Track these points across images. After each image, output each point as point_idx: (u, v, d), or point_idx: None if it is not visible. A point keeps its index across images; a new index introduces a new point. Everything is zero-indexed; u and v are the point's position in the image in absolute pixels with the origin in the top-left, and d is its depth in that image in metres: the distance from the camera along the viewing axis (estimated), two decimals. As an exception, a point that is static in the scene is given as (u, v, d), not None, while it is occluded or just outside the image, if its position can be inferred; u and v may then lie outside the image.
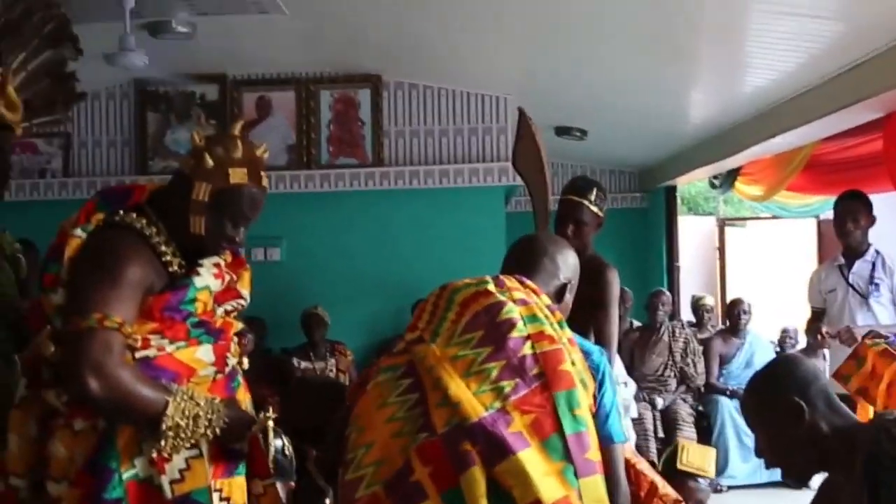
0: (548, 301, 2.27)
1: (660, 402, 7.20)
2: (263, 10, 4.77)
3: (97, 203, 2.40)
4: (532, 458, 1.98)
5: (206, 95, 6.40)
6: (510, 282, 2.25)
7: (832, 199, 6.09)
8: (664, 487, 2.99)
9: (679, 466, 2.98)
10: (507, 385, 2.04)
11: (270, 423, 2.44)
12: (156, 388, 2.22)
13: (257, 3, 4.67)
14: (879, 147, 5.58)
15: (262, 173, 2.46)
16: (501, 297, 2.18)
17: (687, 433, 6.84)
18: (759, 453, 2.27)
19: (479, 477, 1.96)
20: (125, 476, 2.23)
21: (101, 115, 6.45)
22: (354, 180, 6.31)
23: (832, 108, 5.09)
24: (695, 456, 2.60)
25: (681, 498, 2.98)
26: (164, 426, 2.18)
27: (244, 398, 2.52)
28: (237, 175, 2.37)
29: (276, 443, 2.53)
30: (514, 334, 2.11)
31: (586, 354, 2.27)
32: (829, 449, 2.11)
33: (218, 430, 2.28)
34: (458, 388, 2.03)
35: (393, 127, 6.42)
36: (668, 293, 7.86)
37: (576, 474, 2.00)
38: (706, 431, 7.17)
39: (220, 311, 2.47)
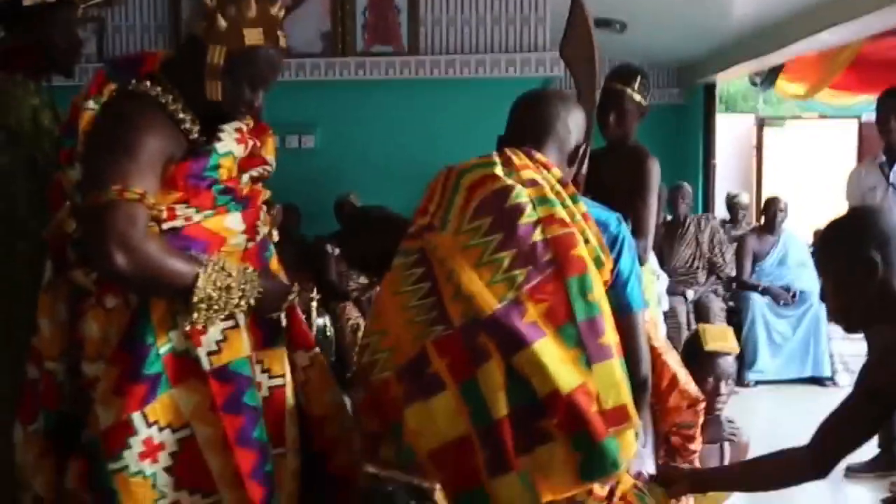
0: (559, 174, 2.20)
1: (691, 294, 7.22)
2: None
3: (108, 73, 2.29)
4: (547, 348, 1.98)
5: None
6: (518, 158, 2.18)
7: (875, 100, 5.97)
8: (686, 383, 2.99)
9: (707, 349, 2.96)
10: (520, 274, 2.02)
11: (314, 304, 2.45)
12: (185, 259, 2.15)
13: None
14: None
15: (279, 32, 2.32)
16: (509, 181, 2.11)
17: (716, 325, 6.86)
18: (822, 297, 2.22)
19: (496, 370, 1.98)
20: (162, 350, 2.20)
21: (136, -1, 6.39)
22: (390, 68, 6.24)
23: (879, 4, 4.97)
24: (717, 335, 2.60)
25: (701, 396, 2.98)
26: (195, 298, 2.11)
27: (277, 269, 2.46)
28: (252, 36, 2.23)
29: (318, 322, 2.55)
30: (524, 220, 2.06)
31: (603, 226, 2.20)
32: (894, 307, 2.08)
33: (252, 301, 2.22)
34: (471, 281, 2.02)
35: (430, 14, 6.31)
36: (687, 186, 7.77)
37: (589, 361, 2.00)
38: (737, 327, 7.16)
39: (245, 178, 2.38)
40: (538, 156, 2.21)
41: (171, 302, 2.21)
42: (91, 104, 2.23)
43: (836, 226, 2.21)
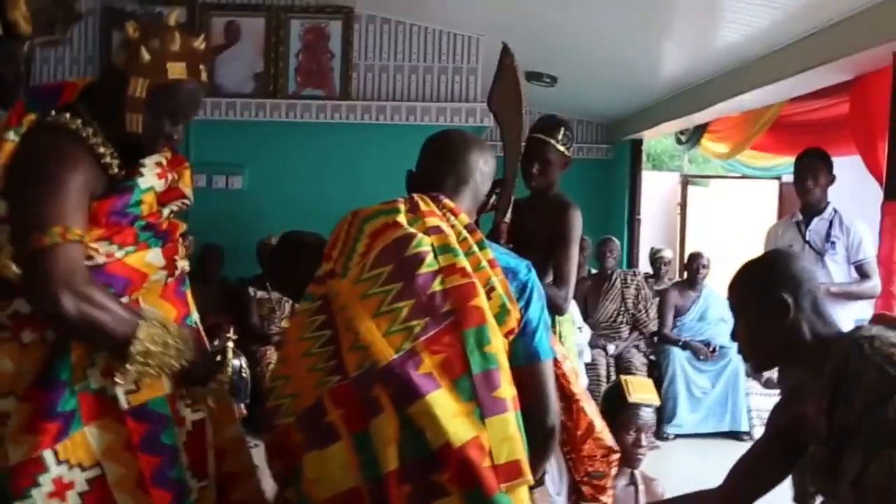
0: (466, 220, 2.17)
1: (612, 349, 7.29)
2: (236, -70, 4.69)
3: (27, 103, 2.23)
4: (441, 400, 1.95)
5: (179, 20, 6.27)
6: (425, 204, 2.15)
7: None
8: (602, 431, 3.00)
9: (630, 399, 2.98)
10: (417, 325, 1.99)
11: (230, 344, 2.41)
12: (127, 309, 2.13)
13: (230, -77, 4.59)
14: (845, 110, 5.62)
15: (201, 67, 2.30)
16: (411, 230, 2.07)
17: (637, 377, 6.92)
18: (733, 336, 2.24)
19: (388, 422, 1.95)
20: (77, 388, 2.16)
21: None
22: (321, 112, 6.26)
23: (802, 67, 5.10)
24: (641, 387, 2.62)
25: (615, 446, 3.00)
26: (133, 349, 2.08)
27: (191, 304, 2.44)
28: (176, 70, 2.21)
29: (234, 363, 2.52)
30: (423, 270, 2.03)
31: (512, 273, 2.18)
32: (803, 350, 2.10)
33: (185, 363, 2.19)
34: (369, 331, 1.99)
35: (363, 61, 6.37)
36: (616, 241, 7.89)
37: (482, 414, 1.96)
38: (657, 381, 7.23)
39: (165, 212, 2.35)
40: (446, 202, 2.18)
41: (102, 348, 2.18)
42: (11, 135, 2.18)
43: (750, 267, 2.24)
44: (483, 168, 2.32)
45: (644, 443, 3.24)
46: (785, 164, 8.24)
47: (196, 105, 2.33)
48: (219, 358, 2.36)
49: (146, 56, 2.19)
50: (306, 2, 6.33)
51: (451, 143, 2.35)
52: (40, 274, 2.03)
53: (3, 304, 2.17)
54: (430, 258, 2.05)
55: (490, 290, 2.08)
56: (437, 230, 2.10)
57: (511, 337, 2.11)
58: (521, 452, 2.00)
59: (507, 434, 1.98)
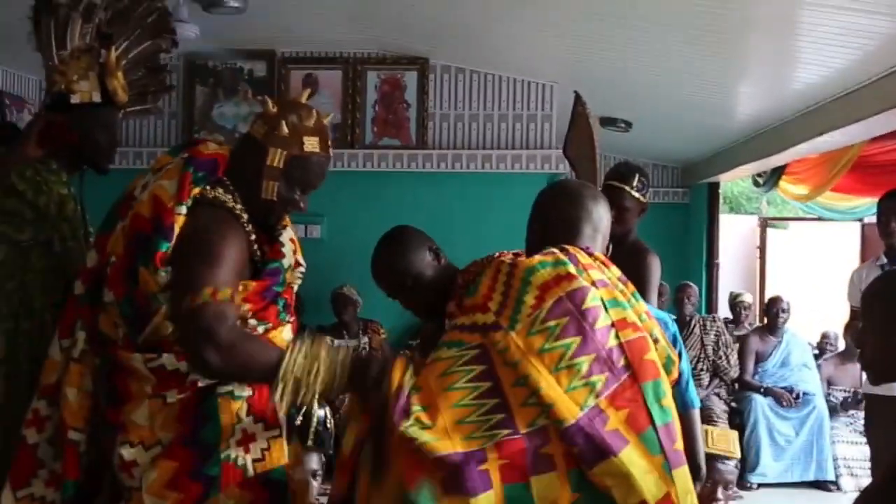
0: (618, 272, 2.17)
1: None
2: (314, -14, 4.80)
3: (193, 176, 2.39)
4: (632, 456, 1.92)
5: (253, 71, 6.45)
6: (582, 257, 2.13)
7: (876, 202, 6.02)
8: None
9: (707, 450, 2.93)
10: (599, 380, 1.96)
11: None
12: (266, 344, 2.28)
13: (308, -20, 4.70)
14: (928, 149, 5.53)
15: (329, 142, 2.49)
16: (584, 283, 2.05)
17: (721, 428, 6.80)
18: (859, 343, 2.15)
19: (556, 482, 1.92)
20: (223, 455, 2.29)
21: (151, 86, 6.49)
22: (397, 161, 6.35)
23: (882, 107, 5.02)
24: (720, 439, 2.56)
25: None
26: (278, 383, 2.14)
27: None
28: (311, 143, 2.40)
29: (319, 413, 2.58)
30: (600, 324, 2.00)
31: (663, 324, 2.21)
32: None
33: (340, 385, 2.18)
34: (551, 388, 1.94)
35: (438, 110, 6.45)
36: (693, 286, 7.80)
37: (669, 468, 1.95)
38: (739, 428, 7.10)
39: (294, 287, 2.53)
40: (598, 254, 2.19)
41: (236, 406, 2.32)
42: (184, 209, 2.34)
43: None
44: (607, 216, 2.36)
45: (720, 496, 3.17)
46: (866, 205, 8.09)
47: (323, 177, 2.50)
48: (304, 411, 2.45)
49: (285, 130, 2.38)
50: (382, 53, 6.43)
51: (579, 194, 2.38)
52: (189, 330, 2.18)
53: (151, 357, 2.30)
54: (603, 313, 2.03)
55: (654, 342, 2.07)
56: (603, 283, 2.09)
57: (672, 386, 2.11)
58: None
59: (688, 486, 2.00)
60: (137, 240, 2.35)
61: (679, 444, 2.01)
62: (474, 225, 6.15)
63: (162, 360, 2.29)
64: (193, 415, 2.30)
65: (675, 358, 2.10)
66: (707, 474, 3.10)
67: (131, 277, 2.33)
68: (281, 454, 2.38)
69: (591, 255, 2.17)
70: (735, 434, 2.52)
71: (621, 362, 1.99)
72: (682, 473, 1.98)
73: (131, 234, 2.37)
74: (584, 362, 1.96)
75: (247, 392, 2.35)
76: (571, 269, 2.07)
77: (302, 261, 2.59)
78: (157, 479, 2.27)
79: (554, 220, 2.31)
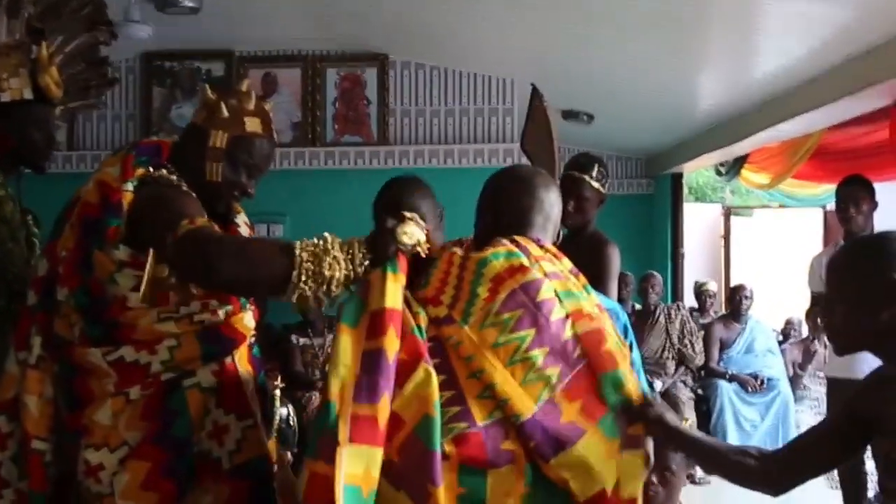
0: (569, 264, 2.13)
1: (658, 385, 7.19)
2: (270, -16, 4.76)
3: (135, 159, 2.39)
4: (590, 444, 1.91)
5: (211, 71, 6.40)
6: (533, 248, 2.08)
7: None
8: None
9: None
10: (553, 373, 1.94)
11: (277, 392, 2.46)
12: (271, 240, 2.20)
13: (264, -23, 4.66)
14: (887, 136, 5.56)
15: (272, 126, 2.48)
16: (538, 275, 2.01)
17: (687, 415, 6.83)
18: (826, 312, 2.12)
19: (510, 476, 1.90)
20: (196, 449, 2.28)
21: (107, 88, 6.42)
22: (359, 158, 6.32)
23: (840, 94, 5.06)
24: None
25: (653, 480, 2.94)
26: (296, 272, 1.99)
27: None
28: (252, 123, 2.39)
29: (282, 411, 2.56)
30: (555, 316, 1.97)
31: (614, 314, 2.14)
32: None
33: (360, 251, 2.07)
34: (505, 382, 1.91)
35: (399, 106, 6.43)
36: (658, 275, 7.82)
37: (622, 448, 1.95)
38: (705, 415, 7.17)
39: None
40: (547, 245, 2.14)
41: (204, 400, 2.29)
42: (129, 186, 2.32)
43: (866, 244, 2.14)
44: (559, 204, 2.27)
45: (654, 479, 3.14)
46: (828, 192, 8.15)
47: (268, 160, 2.48)
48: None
49: (225, 112, 2.37)
50: (341, 50, 6.40)
51: (531, 182, 2.25)
52: (185, 254, 2.09)
53: (109, 350, 2.26)
54: (558, 304, 1.99)
55: (613, 342, 2.04)
56: (555, 275, 2.05)
57: None
58: (639, 492, 2.00)
59: (634, 471, 1.98)
60: (87, 226, 2.33)
61: (637, 429, 1.99)
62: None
63: (121, 352, 2.25)
64: (160, 411, 2.27)
65: (625, 351, 2.06)
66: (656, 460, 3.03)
67: (85, 266, 2.30)
68: (259, 444, 2.36)
69: (541, 246, 2.12)
70: (688, 422, 2.47)
71: (576, 353, 1.96)
72: (631, 457, 1.97)
73: (80, 224, 2.34)
74: (539, 355, 1.94)
75: (211, 382, 2.32)
76: (524, 260, 2.03)
77: None
78: (129, 481, 2.23)
79: (505, 209, 2.22)
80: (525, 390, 1.92)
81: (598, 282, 3.62)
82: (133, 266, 2.23)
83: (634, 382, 2.02)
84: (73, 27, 3.16)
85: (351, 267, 2.03)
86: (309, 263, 1.99)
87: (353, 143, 6.36)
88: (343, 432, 1.83)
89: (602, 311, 2.07)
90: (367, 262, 2.04)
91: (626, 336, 2.14)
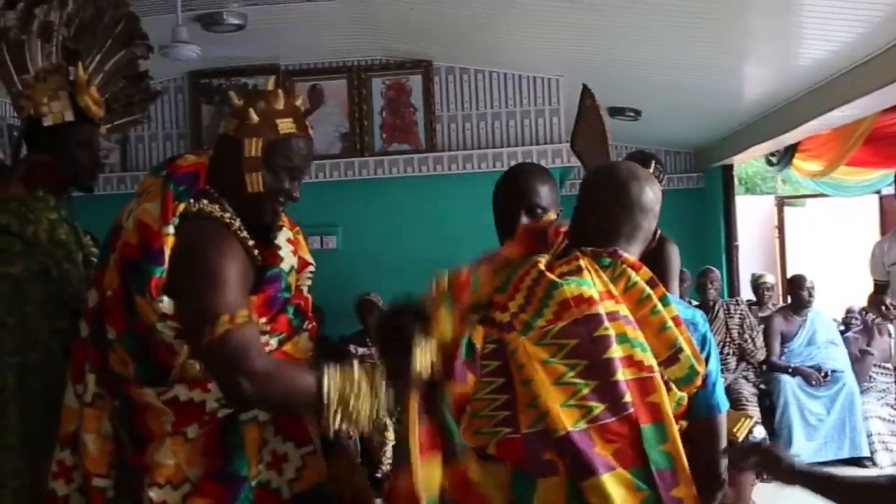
0: (649, 274, 2.08)
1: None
2: (312, -3, 4.80)
3: (174, 193, 2.28)
4: (617, 482, 1.90)
5: (259, 86, 6.44)
6: (598, 280, 2.04)
7: (893, 174, 5.97)
8: None
9: None
10: (596, 408, 1.93)
11: None
12: (306, 370, 2.18)
13: (306, -9, 4.70)
14: (941, 117, 5.48)
15: (307, 122, 2.38)
16: (601, 310, 1.99)
17: (750, 412, 6.74)
18: None
19: (558, 488, 1.90)
20: (254, 483, 2.24)
21: (157, 108, 6.51)
22: (408, 166, 6.34)
23: (891, 78, 4.99)
24: (731, 421, 2.43)
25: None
26: (325, 396, 2.08)
27: None
28: (285, 125, 2.30)
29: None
30: (609, 355, 1.96)
31: (692, 325, 2.09)
32: None
33: (383, 384, 2.13)
34: (549, 397, 1.92)
35: (445, 112, 6.44)
36: (716, 271, 7.75)
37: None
38: (769, 410, 7.08)
39: (304, 289, 2.45)
40: (626, 257, 2.08)
41: (261, 432, 2.26)
42: (171, 229, 2.23)
43: None
44: (656, 208, 2.18)
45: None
46: (881, 177, 8.03)
47: (308, 159, 2.39)
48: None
49: (255, 117, 2.28)
50: (385, 59, 6.43)
51: (622, 185, 2.16)
52: (218, 364, 2.12)
53: (163, 390, 2.22)
54: (615, 345, 1.97)
55: (678, 352, 2.01)
56: (613, 316, 2.01)
57: (693, 391, 2.06)
58: None
59: None
60: (129, 269, 2.25)
61: (679, 492, 1.94)
62: (489, 225, 6.11)
63: (174, 392, 2.21)
64: (219, 448, 2.24)
65: (700, 368, 2.03)
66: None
67: (130, 309, 2.24)
68: (319, 471, 2.32)
69: (616, 258, 2.08)
70: (748, 421, 2.40)
71: (624, 398, 1.94)
72: None
73: (122, 265, 2.27)
74: (585, 386, 1.94)
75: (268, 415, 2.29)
76: (594, 292, 2.01)
77: (310, 259, 2.52)
78: None
79: (590, 215, 2.19)
80: (563, 412, 1.92)
81: (659, 280, 3.61)
82: (176, 319, 2.18)
83: (677, 442, 1.96)
84: (110, 45, 3.18)
85: (377, 401, 2.13)
86: (336, 395, 2.10)
87: (401, 152, 6.38)
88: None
89: (679, 326, 2.03)
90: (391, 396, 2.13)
91: (703, 347, 2.09)
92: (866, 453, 6.86)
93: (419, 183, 6.33)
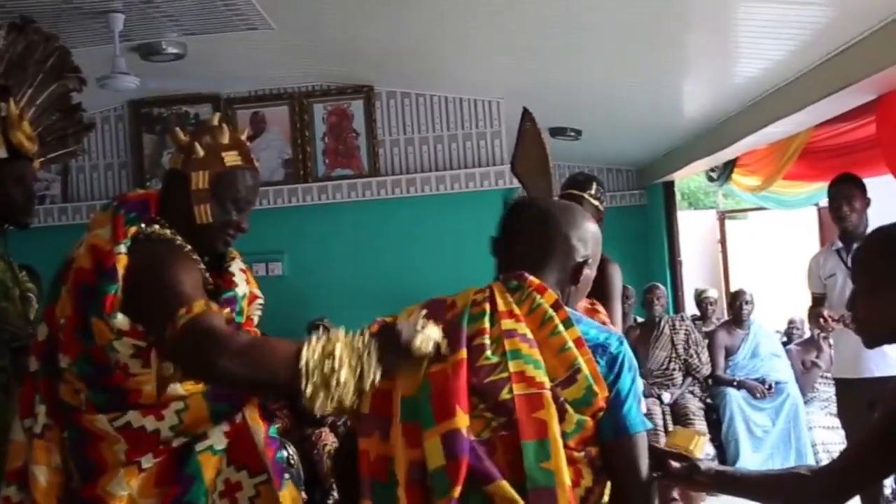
0: (553, 297, 2.12)
1: (667, 397, 7.19)
2: (251, 25, 4.80)
3: (125, 216, 2.32)
4: (505, 489, 1.91)
5: (199, 115, 6.42)
6: (503, 300, 2.11)
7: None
8: None
9: (665, 447, 2.79)
10: (493, 419, 1.97)
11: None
12: (280, 341, 2.11)
13: (244, 19, 4.69)
14: (873, 130, 5.59)
15: (252, 155, 2.43)
16: (485, 340, 2.04)
17: (697, 426, 6.83)
18: (851, 302, 2.12)
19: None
20: None
21: (97, 139, 6.47)
22: (352, 191, 6.34)
23: (824, 93, 5.09)
24: (680, 438, 2.43)
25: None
26: (302, 365, 1.96)
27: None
28: (231, 157, 2.35)
29: (282, 454, 2.52)
30: (491, 378, 2.00)
31: (602, 347, 2.09)
32: None
33: (373, 359, 2.01)
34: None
35: (388, 136, 6.45)
36: (662, 287, 7.86)
37: None
38: (716, 424, 7.16)
39: (255, 320, 2.48)
40: (531, 279, 2.13)
41: (218, 462, 2.25)
42: (122, 248, 2.25)
43: (888, 233, 2.10)
44: (571, 237, 2.23)
45: (676, 496, 3.12)
46: (819, 189, 8.17)
47: (254, 191, 2.43)
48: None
49: (201, 151, 2.33)
50: (326, 85, 6.44)
51: (536, 218, 2.27)
52: (187, 355, 2.07)
53: (115, 416, 2.22)
54: (501, 368, 2.01)
55: (576, 373, 2.01)
56: (510, 334, 2.05)
57: (599, 415, 2.03)
58: None
59: None
60: (84, 293, 2.26)
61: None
62: (434, 247, 6.16)
63: (127, 418, 2.21)
64: (175, 477, 2.22)
65: (599, 389, 2.01)
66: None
67: (85, 333, 2.24)
68: (273, 499, 2.30)
69: (522, 280, 2.14)
70: (703, 438, 2.41)
71: (512, 415, 1.96)
72: None
73: (76, 290, 2.28)
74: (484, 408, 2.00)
75: (224, 444, 2.28)
76: (486, 323, 2.08)
77: (259, 293, 2.54)
78: None
79: (509, 239, 2.29)
80: (472, 420, 1.96)
81: (602, 301, 3.66)
82: (132, 335, 2.19)
83: (560, 455, 1.94)
84: (42, 78, 3.16)
85: (360, 377, 2.00)
86: (316, 367, 1.97)
87: (344, 177, 6.38)
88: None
89: (581, 347, 2.05)
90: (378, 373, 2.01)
91: (611, 368, 2.08)
92: (812, 462, 6.95)
93: (363, 207, 6.33)
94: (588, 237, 2.27)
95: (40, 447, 2.30)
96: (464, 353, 2.02)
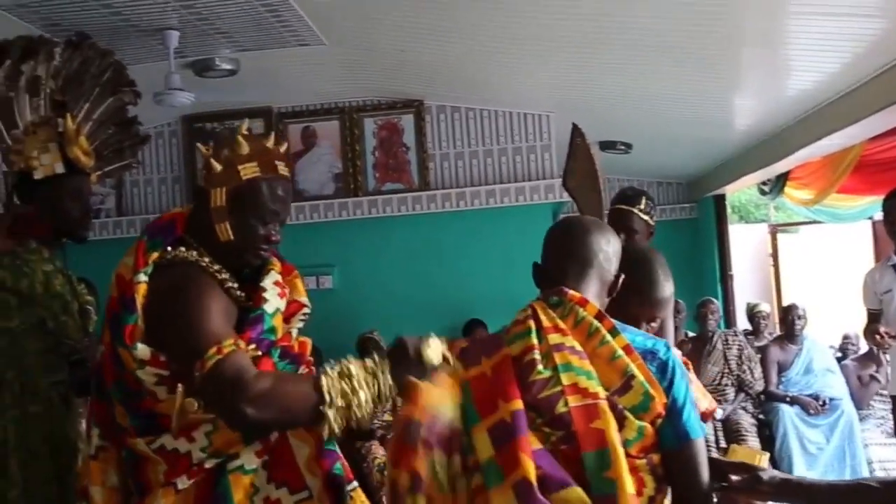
0: (595, 309, 2.15)
1: (719, 413, 7.09)
2: (303, 41, 4.85)
3: (147, 243, 2.31)
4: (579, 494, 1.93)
5: (252, 129, 6.46)
6: (546, 317, 2.14)
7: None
8: None
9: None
10: (552, 434, 2.00)
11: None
12: (302, 379, 2.18)
13: (296, 35, 4.75)
14: (928, 143, 5.52)
15: (278, 162, 2.37)
16: (537, 355, 2.07)
17: (750, 443, 6.74)
18: None
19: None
20: None
21: (152, 153, 6.58)
22: (402, 205, 6.37)
23: (878, 106, 5.03)
24: (742, 455, 2.41)
25: None
26: (325, 395, 2.06)
27: None
28: (248, 169, 2.29)
29: (339, 466, 2.53)
30: (546, 393, 2.03)
31: (651, 354, 2.11)
32: None
33: (387, 376, 2.14)
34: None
35: (437, 150, 6.48)
36: (716, 301, 7.78)
37: None
38: (769, 440, 7.07)
39: (294, 332, 2.45)
40: (571, 293, 2.16)
41: (249, 482, 2.25)
42: (142, 277, 2.24)
43: None
44: (609, 252, 2.28)
45: None
46: (873, 203, 8.06)
47: (280, 200, 2.36)
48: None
49: (217, 166, 2.30)
50: (377, 100, 6.48)
51: (572, 232, 2.32)
52: (214, 397, 2.09)
53: (151, 439, 2.23)
54: (553, 383, 2.04)
55: (630, 379, 2.04)
56: (559, 348, 2.08)
57: (659, 421, 2.05)
58: None
59: None
60: (112, 322, 2.27)
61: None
62: (483, 261, 6.17)
63: (161, 441, 2.22)
64: (208, 498, 2.23)
65: (656, 394, 2.03)
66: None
67: (117, 360, 2.25)
68: None
69: (562, 295, 2.17)
70: (764, 455, 2.37)
71: (570, 427, 1.99)
72: None
73: (108, 318, 2.30)
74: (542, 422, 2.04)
75: (256, 463, 2.28)
76: (534, 340, 2.10)
77: (305, 301, 2.52)
78: None
79: (549, 257, 2.34)
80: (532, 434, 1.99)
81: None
82: (154, 365, 2.19)
83: (621, 463, 1.96)
84: (98, 93, 3.23)
85: (377, 394, 2.13)
86: (337, 399, 2.07)
87: (394, 191, 6.42)
88: None
89: (631, 353, 2.07)
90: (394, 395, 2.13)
91: (663, 375, 2.09)
92: (867, 480, 6.83)
93: (413, 221, 6.36)
94: (618, 254, 2.34)
95: (95, 468, 2.34)
96: (505, 351, 2.10)
